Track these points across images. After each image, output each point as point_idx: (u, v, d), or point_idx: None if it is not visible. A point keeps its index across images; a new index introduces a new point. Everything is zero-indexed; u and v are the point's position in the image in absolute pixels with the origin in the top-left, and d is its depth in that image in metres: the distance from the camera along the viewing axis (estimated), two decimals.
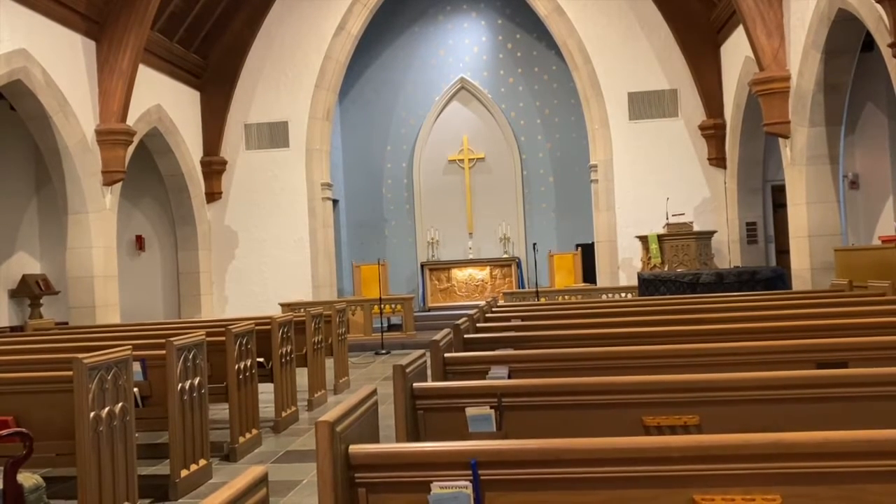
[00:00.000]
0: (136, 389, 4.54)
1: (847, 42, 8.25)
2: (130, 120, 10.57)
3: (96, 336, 6.65)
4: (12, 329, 10.51)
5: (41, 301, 11.22)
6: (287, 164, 13.38)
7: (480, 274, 15.13)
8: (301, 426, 6.72)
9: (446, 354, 3.53)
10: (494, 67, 15.68)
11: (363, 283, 14.66)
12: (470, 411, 2.65)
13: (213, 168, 13.23)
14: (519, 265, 15.09)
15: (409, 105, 15.82)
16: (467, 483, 1.84)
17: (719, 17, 11.80)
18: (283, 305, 12.16)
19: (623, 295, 11.56)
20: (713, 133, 12.47)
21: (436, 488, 1.84)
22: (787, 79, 9.16)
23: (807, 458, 1.77)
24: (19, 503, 3.47)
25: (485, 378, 3.27)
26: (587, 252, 14.15)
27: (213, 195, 13.29)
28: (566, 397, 2.70)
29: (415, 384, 2.72)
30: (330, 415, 1.88)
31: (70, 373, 3.83)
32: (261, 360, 6.44)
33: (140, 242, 13.38)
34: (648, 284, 9.16)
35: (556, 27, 13.07)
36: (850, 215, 10.87)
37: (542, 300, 11.09)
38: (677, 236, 10.91)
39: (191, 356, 5.02)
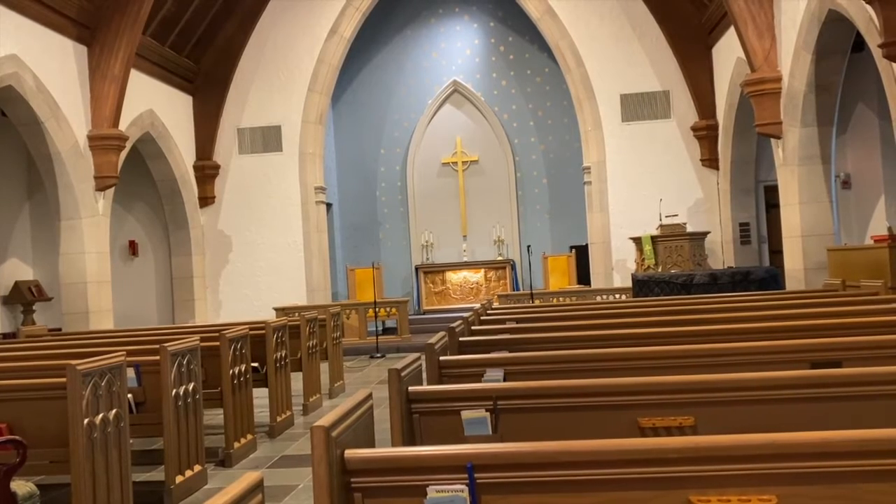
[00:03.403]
0: (130, 395, 4.52)
1: (837, 42, 8.29)
2: (123, 125, 10.54)
3: (90, 342, 6.62)
4: (5, 336, 10.46)
5: (34, 307, 11.17)
6: (280, 168, 13.36)
7: (475, 276, 15.14)
8: (296, 431, 6.70)
9: (441, 358, 3.53)
10: (487, 70, 15.70)
11: (358, 286, 14.65)
12: (465, 414, 2.65)
13: (206, 172, 13.20)
14: (513, 267, 15.10)
15: (403, 108, 15.83)
16: (463, 486, 1.84)
17: (711, 18, 11.84)
18: (277, 310, 12.14)
19: (617, 296, 11.57)
20: (705, 134, 12.51)
21: (432, 492, 1.84)
22: (779, 80, 9.19)
23: (802, 458, 1.77)
24: None
25: (480, 381, 3.27)
26: (581, 254, 14.17)
27: (206, 199, 13.26)
28: (561, 399, 2.70)
29: (410, 388, 2.72)
30: (325, 419, 1.87)
31: (63, 379, 3.81)
32: (255, 364, 6.43)
33: (133, 247, 13.34)
34: (642, 286, 9.17)
35: (548, 29, 13.10)
36: (842, 215, 10.91)
37: (537, 302, 11.10)
38: (671, 237, 10.93)
39: (185, 361, 5.00)
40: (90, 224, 10.02)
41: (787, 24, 8.95)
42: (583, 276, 14.06)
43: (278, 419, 6.58)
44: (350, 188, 15.98)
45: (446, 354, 3.70)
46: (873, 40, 6.82)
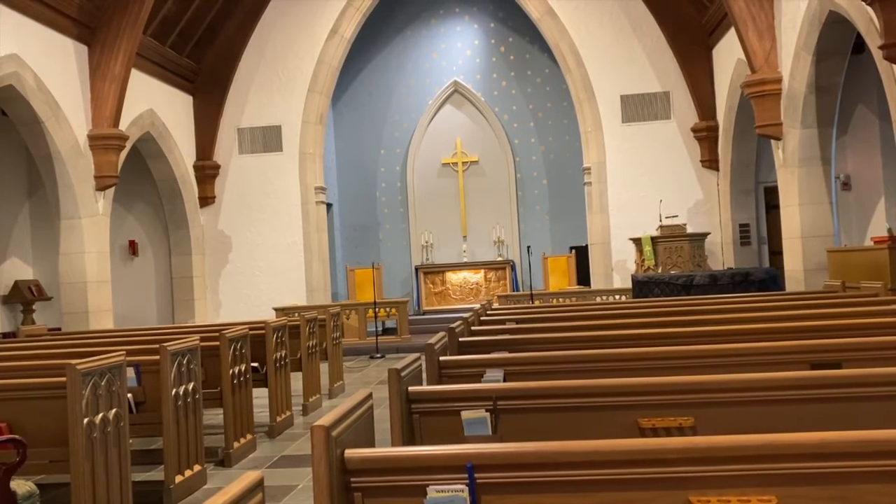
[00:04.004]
0: (129, 395, 4.52)
1: (838, 44, 8.29)
2: (123, 125, 10.54)
3: (89, 342, 6.62)
4: (4, 335, 10.46)
5: (34, 307, 11.17)
6: (280, 168, 13.36)
7: (475, 277, 15.14)
8: (296, 431, 6.70)
9: (441, 358, 3.53)
10: (487, 70, 15.70)
11: (357, 286, 14.65)
12: (465, 415, 2.65)
13: (207, 172, 13.20)
14: (513, 268, 15.10)
15: (403, 108, 15.83)
16: (463, 486, 1.84)
17: (711, 19, 11.85)
18: (277, 310, 12.14)
19: (617, 297, 11.57)
20: (706, 135, 12.51)
21: (432, 492, 1.84)
22: (779, 81, 9.20)
23: (802, 459, 1.77)
24: None
25: (480, 381, 3.27)
26: (581, 254, 14.17)
27: (206, 199, 13.26)
28: (561, 400, 2.70)
29: (410, 388, 2.72)
30: (325, 419, 1.87)
31: (63, 379, 3.81)
32: (255, 364, 6.43)
33: (133, 247, 13.34)
34: (642, 286, 9.17)
35: (548, 30, 13.10)
36: (842, 216, 10.90)
37: (537, 303, 11.10)
38: (671, 238, 10.93)
39: (185, 361, 5.00)
40: (90, 224, 10.02)
41: (787, 26, 8.95)
42: (583, 276, 14.06)
43: (278, 419, 6.58)
44: (350, 188, 15.99)
45: (446, 355, 3.70)
46: (873, 42, 6.83)
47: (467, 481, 1.84)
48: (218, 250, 13.38)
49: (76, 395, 3.77)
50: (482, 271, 15.13)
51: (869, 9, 6.51)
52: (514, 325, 5.24)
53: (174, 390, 4.84)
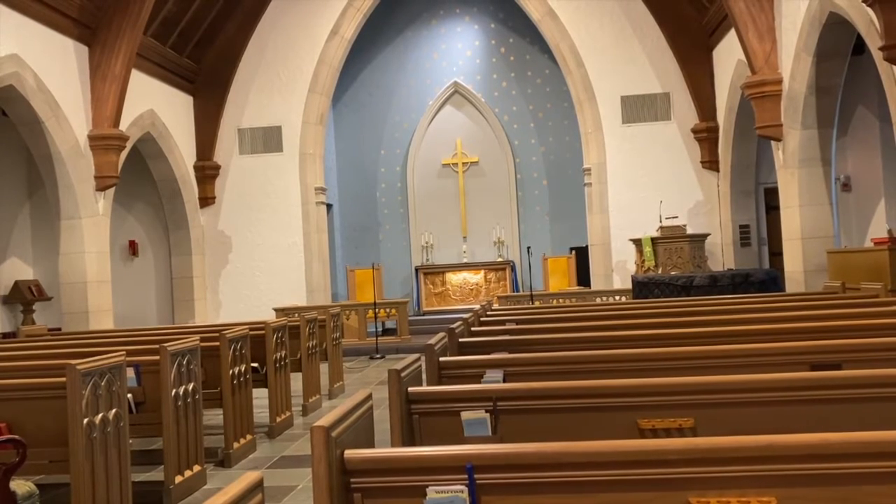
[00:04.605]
0: (129, 395, 4.52)
1: (838, 45, 8.30)
2: (123, 125, 10.54)
3: (89, 342, 6.62)
4: (4, 335, 10.46)
5: (34, 307, 11.17)
6: (281, 169, 13.36)
7: (475, 277, 15.14)
8: (296, 431, 6.70)
9: (441, 358, 3.53)
10: (487, 71, 15.71)
11: (357, 287, 14.65)
12: (465, 415, 2.65)
13: (207, 172, 13.20)
14: (513, 268, 15.10)
15: (403, 109, 15.84)
16: (463, 487, 1.84)
17: (711, 20, 11.85)
18: (277, 310, 12.14)
19: (617, 298, 11.57)
20: (706, 136, 12.52)
21: (432, 493, 1.84)
22: (779, 82, 9.20)
23: (802, 460, 1.77)
24: None
25: (480, 382, 3.27)
26: (581, 255, 14.18)
27: (206, 200, 13.27)
28: (561, 401, 2.70)
29: (410, 388, 2.72)
30: (325, 420, 1.87)
31: (63, 379, 3.81)
32: (255, 365, 6.43)
33: (133, 247, 13.34)
34: (642, 287, 9.17)
35: (548, 31, 13.11)
36: (842, 217, 10.91)
37: (537, 304, 11.10)
38: (671, 239, 10.93)
39: (185, 361, 5.00)
40: (90, 224, 10.02)
41: (787, 27, 8.95)
42: (583, 277, 14.06)
43: (278, 419, 6.58)
44: (350, 189, 15.99)
45: (446, 355, 3.70)
46: (874, 43, 6.83)
47: (467, 482, 1.84)
48: (218, 250, 13.38)
49: (76, 396, 3.77)
50: (482, 272, 15.14)
51: (869, 10, 6.52)
52: (513, 326, 5.24)
53: (174, 390, 4.84)
